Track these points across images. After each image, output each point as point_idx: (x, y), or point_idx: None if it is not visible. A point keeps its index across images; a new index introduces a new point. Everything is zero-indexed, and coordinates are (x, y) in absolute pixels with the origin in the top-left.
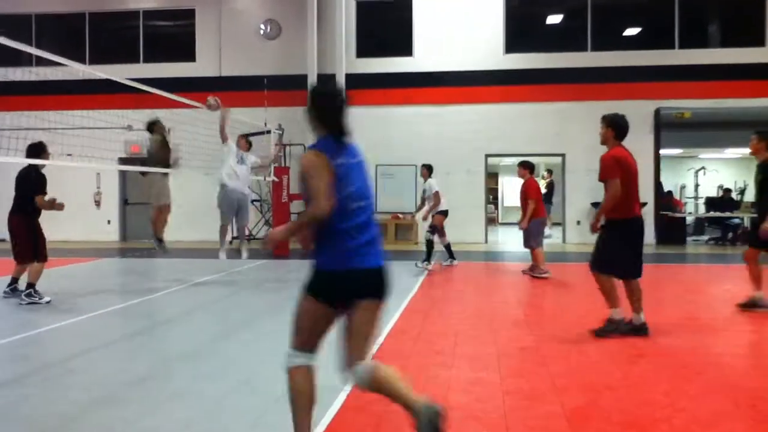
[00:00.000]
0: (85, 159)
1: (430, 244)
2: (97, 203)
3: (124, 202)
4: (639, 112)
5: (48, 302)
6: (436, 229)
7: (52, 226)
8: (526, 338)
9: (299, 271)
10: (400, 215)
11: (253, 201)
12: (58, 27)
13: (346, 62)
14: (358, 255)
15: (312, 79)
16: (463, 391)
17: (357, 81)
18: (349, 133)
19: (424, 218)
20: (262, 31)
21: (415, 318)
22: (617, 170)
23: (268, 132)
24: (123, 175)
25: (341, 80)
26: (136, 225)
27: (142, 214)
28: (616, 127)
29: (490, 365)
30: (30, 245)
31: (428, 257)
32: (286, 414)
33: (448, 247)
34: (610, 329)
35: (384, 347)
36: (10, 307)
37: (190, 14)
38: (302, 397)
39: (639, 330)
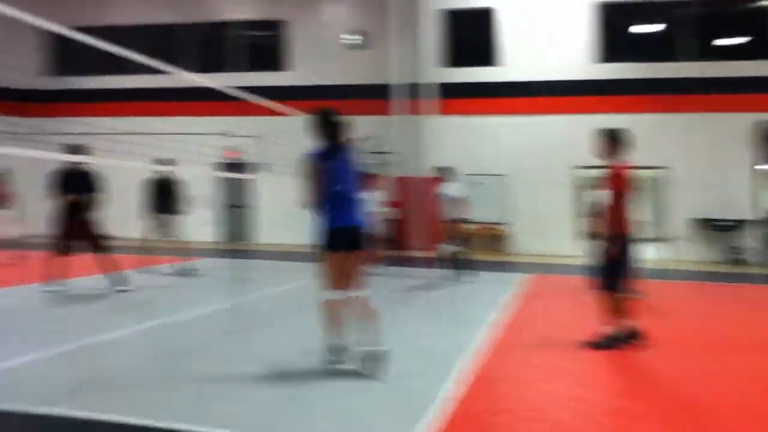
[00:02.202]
0: (187, 163)
1: (453, 256)
2: (200, 206)
3: (225, 205)
4: (737, 124)
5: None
6: (455, 240)
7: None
8: (634, 353)
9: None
10: (490, 225)
11: None
12: (160, 38)
13: (433, 72)
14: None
15: (396, 89)
16: (563, 408)
17: (444, 90)
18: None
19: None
20: (348, 42)
21: (511, 331)
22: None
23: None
24: (223, 179)
25: (426, 90)
26: (235, 227)
27: (241, 216)
28: (617, 142)
29: (590, 381)
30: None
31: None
32: None
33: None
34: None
35: (482, 360)
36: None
37: (282, 25)
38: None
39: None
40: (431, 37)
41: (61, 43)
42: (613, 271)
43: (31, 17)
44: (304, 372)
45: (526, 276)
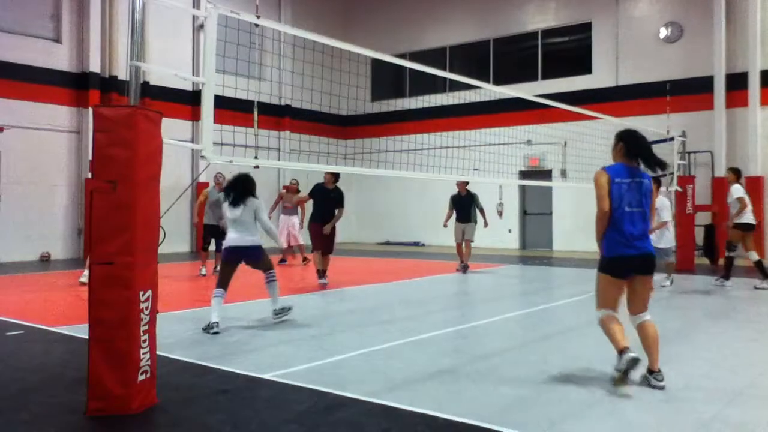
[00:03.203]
0: (490, 173)
1: (729, 261)
2: (500, 213)
3: (524, 212)
4: None
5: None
6: (732, 245)
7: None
8: None
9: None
10: None
11: None
12: (467, 55)
13: (761, 57)
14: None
15: (719, 81)
16: None
17: None
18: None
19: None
20: (662, 35)
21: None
22: None
23: (671, 139)
24: (522, 187)
25: (755, 78)
26: (534, 234)
27: (540, 223)
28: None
29: None
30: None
31: (726, 275)
32: None
33: (758, 264)
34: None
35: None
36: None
37: (586, 28)
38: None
39: None
40: (761, 17)
41: (383, 70)
42: None
43: (362, 49)
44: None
45: None
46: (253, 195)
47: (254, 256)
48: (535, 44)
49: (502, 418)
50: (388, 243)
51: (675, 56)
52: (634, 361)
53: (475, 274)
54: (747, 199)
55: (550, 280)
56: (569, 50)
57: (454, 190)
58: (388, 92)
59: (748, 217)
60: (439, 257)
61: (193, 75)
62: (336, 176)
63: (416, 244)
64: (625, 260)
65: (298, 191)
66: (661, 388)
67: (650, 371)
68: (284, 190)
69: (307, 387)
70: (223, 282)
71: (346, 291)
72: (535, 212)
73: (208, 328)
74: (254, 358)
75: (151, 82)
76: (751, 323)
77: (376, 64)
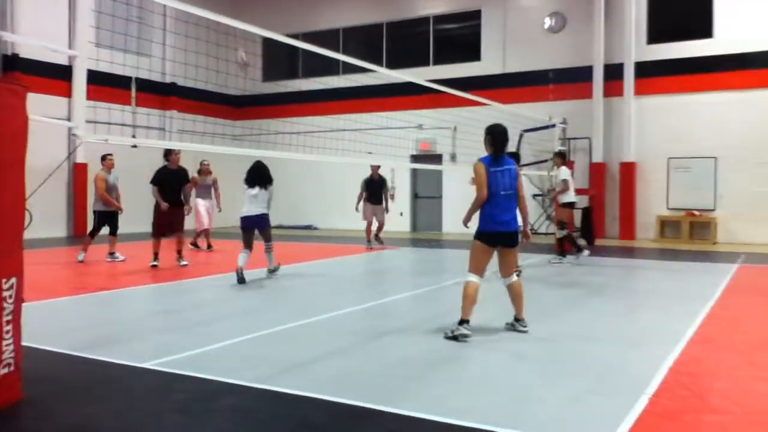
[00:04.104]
0: (382, 156)
1: (564, 239)
2: (392, 197)
3: (415, 195)
4: None
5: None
6: (564, 224)
7: (353, 218)
8: None
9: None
10: (696, 212)
11: (534, 195)
12: (360, 37)
13: (637, 50)
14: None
15: (598, 71)
16: None
17: (648, 69)
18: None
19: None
20: (546, 25)
21: (722, 326)
22: None
23: (553, 126)
24: (414, 171)
25: (630, 70)
26: (425, 217)
27: (430, 206)
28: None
29: None
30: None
31: (563, 253)
32: None
33: (563, 240)
34: None
35: (689, 355)
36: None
37: (476, 15)
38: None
39: None
40: (637, 12)
41: (275, 50)
42: None
43: (253, 27)
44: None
45: (738, 267)
46: (271, 181)
47: (264, 223)
48: (427, 30)
49: (389, 398)
50: (281, 226)
51: (559, 46)
52: (464, 337)
53: (369, 257)
54: (570, 182)
55: (440, 261)
56: (460, 37)
57: (348, 174)
58: (281, 73)
59: (571, 197)
60: (333, 240)
61: (69, 48)
62: (167, 153)
63: (309, 227)
64: (496, 235)
65: (209, 172)
66: (525, 332)
67: (516, 319)
68: (197, 174)
69: (191, 375)
70: (247, 244)
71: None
72: (425, 195)
73: (238, 272)
74: (135, 346)
75: (22, 55)
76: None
77: (269, 43)
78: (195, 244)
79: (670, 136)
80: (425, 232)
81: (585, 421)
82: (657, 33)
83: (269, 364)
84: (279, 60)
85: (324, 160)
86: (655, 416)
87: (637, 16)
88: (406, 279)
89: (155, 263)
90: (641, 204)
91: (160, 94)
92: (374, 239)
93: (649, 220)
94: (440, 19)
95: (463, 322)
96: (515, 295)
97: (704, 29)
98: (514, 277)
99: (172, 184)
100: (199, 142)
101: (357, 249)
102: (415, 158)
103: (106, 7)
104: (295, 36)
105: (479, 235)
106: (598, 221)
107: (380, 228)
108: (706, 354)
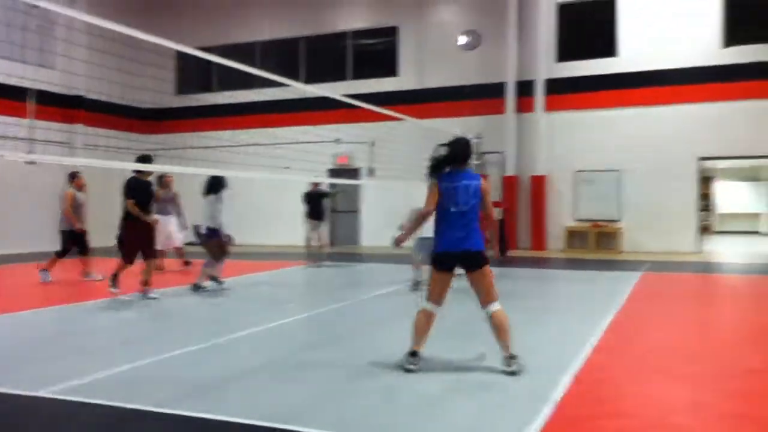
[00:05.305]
0: (300, 171)
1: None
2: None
3: (332, 210)
4: None
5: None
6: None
7: (270, 232)
8: (751, 358)
9: None
10: (601, 223)
11: None
12: (278, 51)
13: (547, 67)
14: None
15: (511, 87)
16: (683, 413)
17: (557, 86)
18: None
19: None
20: (461, 42)
21: (625, 332)
22: None
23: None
24: (332, 186)
25: (540, 87)
26: (342, 231)
27: (348, 220)
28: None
29: (711, 387)
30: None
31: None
32: None
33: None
34: None
35: (592, 364)
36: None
37: (393, 32)
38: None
39: None
40: (547, 31)
41: (189, 63)
42: None
43: (163, 40)
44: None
45: (641, 275)
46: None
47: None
48: (345, 45)
49: (294, 416)
50: (192, 244)
51: (473, 62)
52: (408, 371)
53: (283, 272)
54: None
55: (359, 275)
56: (377, 52)
57: (263, 190)
58: (195, 86)
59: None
60: (251, 257)
61: None
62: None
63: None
64: (447, 255)
65: (169, 186)
66: (510, 374)
67: (504, 357)
68: (159, 188)
69: (91, 402)
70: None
71: (149, 296)
72: (343, 210)
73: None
74: (30, 372)
75: None
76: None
77: (182, 56)
78: (187, 262)
79: (578, 150)
80: (343, 245)
81: (492, 429)
82: (566, 51)
83: (176, 387)
84: (193, 73)
85: (240, 176)
86: (559, 423)
87: (547, 35)
88: (324, 294)
89: (116, 288)
90: (551, 215)
91: (64, 107)
92: (315, 256)
93: (559, 231)
94: (358, 34)
95: (413, 353)
96: (495, 327)
97: (609, 48)
98: (495, 306)
99: (147, 198)
100: (108, 157)
101: (274, 265)
102: (333, 173)
103: (3, 16)
104: (210, 49)
105: (432, 258)
106: (510, 233)
107: (322, 245)
108: (610, 360)
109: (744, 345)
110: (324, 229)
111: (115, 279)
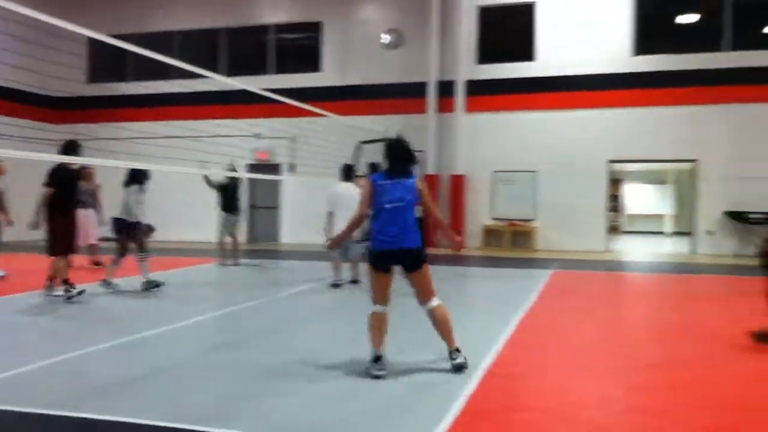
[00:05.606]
0: (218, 165)
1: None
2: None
3: (251, 206)
4: None
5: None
6: None
7: (186, 229)
8: (654, 353)
9: None
10: (516, 222)
11: None
12: (198, 42)
13: (467, 69)
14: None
15: (432, 87)
16: (591, 407)
17: (477, 87)
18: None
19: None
20: (384, 41)
21: (536, 328)
22: None
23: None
24: (252, 181)
25: (460, 87)
26: (262, 227)
27: (267, 217)
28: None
29: (616, 381)
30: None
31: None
32: None
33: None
34: None
35: (504, 359)
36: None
37: (317, 27)
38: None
39: None
40: (468, 34)
41: (103, 50)
42: None
43: (74, 26)
44: (320, 370)
45: (552, 272)
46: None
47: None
48: (267, 38)
49: (201, 418)
50: (106, 239)
51: (396, 61)
52: (377, 378)
53: (198, 269)
54: None
55: (276, 273)
56: (300, 47)
57: (181, 184)
58: (108, 74)
59: None
60: (169, 253)
61: None
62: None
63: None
64: (383, 254)
65: (92, 178)
66: (458, 366)
67: (449, 352)
68: (82, 180)
69: None
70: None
71: (53, 293)
72: (263, 206)
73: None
74: None
75: None
76: None
77: (95, 42)
78: (98, 263)
79: (496, 150)
80: (262, 242)
81: (402, 423)
82: (486, 54)
83: (81, 387)
84: (107, 61)
85: (154, 169)
86: (470, 416)
87: (468, 37)
88: (240, 291)
89: (81, 290)
90: (470, 214)
91: None
92: (229, 253)
93: (477, 230)
94: (281, 28)
95: (377, 358)
96: (437, 323)
97: (527, 53)
98: (435, 302)
99: (72, 188)
100: (13, 147)
101: (188, 261)
102: (253, 168)
103: None
104: (126, 36)
105: (369, 259)
106: (429, 231)
107: (234, 244)
108: (521, 355)
109: (648, 341)
110: (240, 223)
111: (65, 282)
